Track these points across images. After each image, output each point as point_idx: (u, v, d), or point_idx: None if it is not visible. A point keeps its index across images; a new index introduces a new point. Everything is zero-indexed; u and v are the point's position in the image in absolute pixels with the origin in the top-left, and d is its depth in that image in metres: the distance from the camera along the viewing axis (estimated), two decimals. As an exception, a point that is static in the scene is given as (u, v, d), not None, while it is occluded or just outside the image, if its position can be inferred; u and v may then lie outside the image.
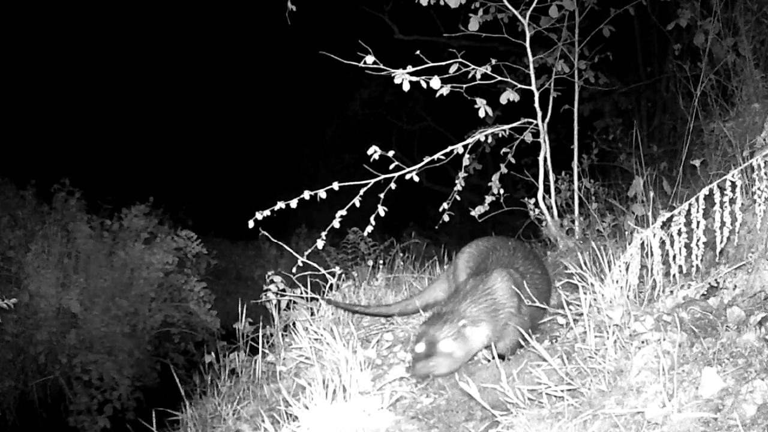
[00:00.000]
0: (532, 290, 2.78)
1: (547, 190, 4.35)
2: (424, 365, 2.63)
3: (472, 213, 4.48)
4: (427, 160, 3.94)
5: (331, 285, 3.74)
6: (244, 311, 3.79)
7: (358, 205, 3.69)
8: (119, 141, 11.17)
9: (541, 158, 4.32)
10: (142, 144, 11.21)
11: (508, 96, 4.02)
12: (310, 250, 3.73)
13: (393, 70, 3.66)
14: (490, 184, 4.44)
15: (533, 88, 4.15)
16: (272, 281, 3.78)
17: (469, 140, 4.06)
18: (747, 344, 2.21)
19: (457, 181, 4.31)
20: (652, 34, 7.19)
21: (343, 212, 3.70)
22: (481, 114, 3.94)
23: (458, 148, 4.01)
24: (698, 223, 2.53)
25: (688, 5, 4.58)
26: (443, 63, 3.84)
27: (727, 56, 4.27)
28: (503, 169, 4.44)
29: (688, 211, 2.58)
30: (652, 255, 2.70)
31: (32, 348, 6.09)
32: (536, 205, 4.37)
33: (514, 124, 4.20)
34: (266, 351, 3.50)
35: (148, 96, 11.34)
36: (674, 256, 2.62)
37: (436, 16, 7.77)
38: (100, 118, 11.18)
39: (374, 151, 3.70)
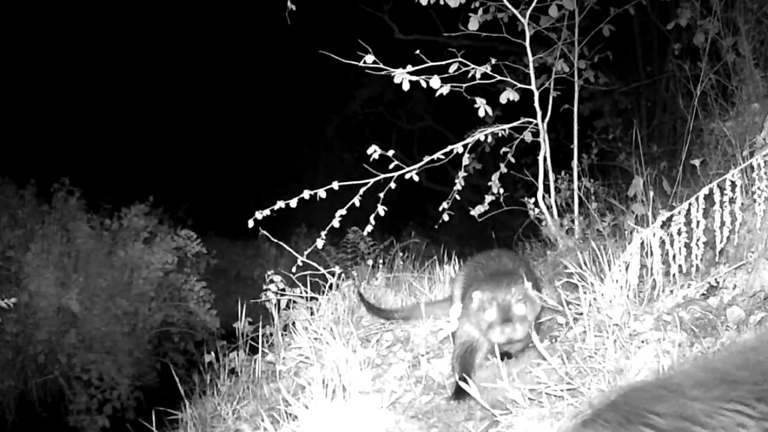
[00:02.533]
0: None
1: (546, 190, 4.34)
2: (503, 331, 2.52)
3: (472, 212, 4.47)
4: (426, 159, 3.93)
5: (331, 284, 3.74)
6: (244, 311, 3.79)
7: (357, 204, 3.69)
8: (119, 140, 11.15)
9: (540, 158, 4.32)
10: (142, 143, 11.19)
11: (508, 95, 4.02)
12: (309, 250, 3.73)
13: (393, 70, 3.65)
14: (489, 183, 4.44)
15: (533, 87, 4.14)
16: (272, 281, 3.78)
17: (469, 140, 4.05)
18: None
19: (456, 181, 4.31)
20: (652, 33, 7.17)
21: (343, 211, 3.70)
22: (481, 113, 3.93)
23: (458, 147, 4.01)
24: (698, 222, 2.53)
25: (688, 5, 4.57)
26: (443, 62, 3.84)
27: (727, 56, 4.26)
28: (503, 169, 4.43)
29: (688, 211, 2.58)
30: (651, 254, 2.70)
31: (32, 347, 6.09)
32: (536, 204, 4.37)
33: (514, 124, 4.20)
34: (266, 350, 3.50)
35: (147, 95, 11.32)
36: (674, 256, 2.62)
37: (435, 15, 7.76)
38: (99, 117, 11.17)
39: (374, 151, 3.70)
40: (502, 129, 4.16)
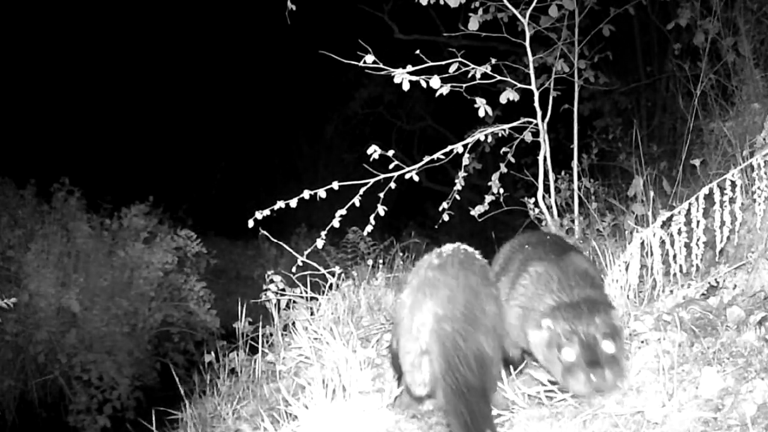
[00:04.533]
0: None
1: (546, 190, 4.34)
2: (588, 381, 1.90)
3: (472, 212, 4.47)
4: (426, 159, 3.93)
5: (331, 284, 3.74)
6: (244, 311, 3.79)
7: (357, 204, 3.69)
8: (119, 140, 11.15)
9: (540, 158, 4.32)
10: (142, 143, 11.20)
11: (508, 95, 4.01)
12: (309, 250, 3.73)
13: (393, 70, 3.65)
14: (489, 183, 4.44)
15: (533, 87, 4.14)
16: (272, 281, 3.78)
17: (469, 140, 4.05)
18: (747, 344, 2.21)
19: (456, 181, 4.31)
20: (651, 33, 7.17)
21: (343, 211, 3.70)
22: (481, 113, 3.93)
23: (458, 147, 4.01)
24: (698, 222, 2.53)
25: (687, 5, 4.57)
26: (443, 62, 3.84)
27: (727, 56, 4.26)
28: (503, 169, 4.43)
29: (688, 211, 2.58)
30: (652, 254, 2.70)
31: (32, 347, 6.08)
32: (536, 204, 4.37)
33: (514, 124, 4.20)
34: (266, 350, 3.50)
35: (147, 95, 11.32)
36: (674, 256, 2.62)
37: (436, 15, 7.76)
38: (99, 117, 11.17)
39: (374, 151, 3.70)
40: (502, 129, 4.16)
